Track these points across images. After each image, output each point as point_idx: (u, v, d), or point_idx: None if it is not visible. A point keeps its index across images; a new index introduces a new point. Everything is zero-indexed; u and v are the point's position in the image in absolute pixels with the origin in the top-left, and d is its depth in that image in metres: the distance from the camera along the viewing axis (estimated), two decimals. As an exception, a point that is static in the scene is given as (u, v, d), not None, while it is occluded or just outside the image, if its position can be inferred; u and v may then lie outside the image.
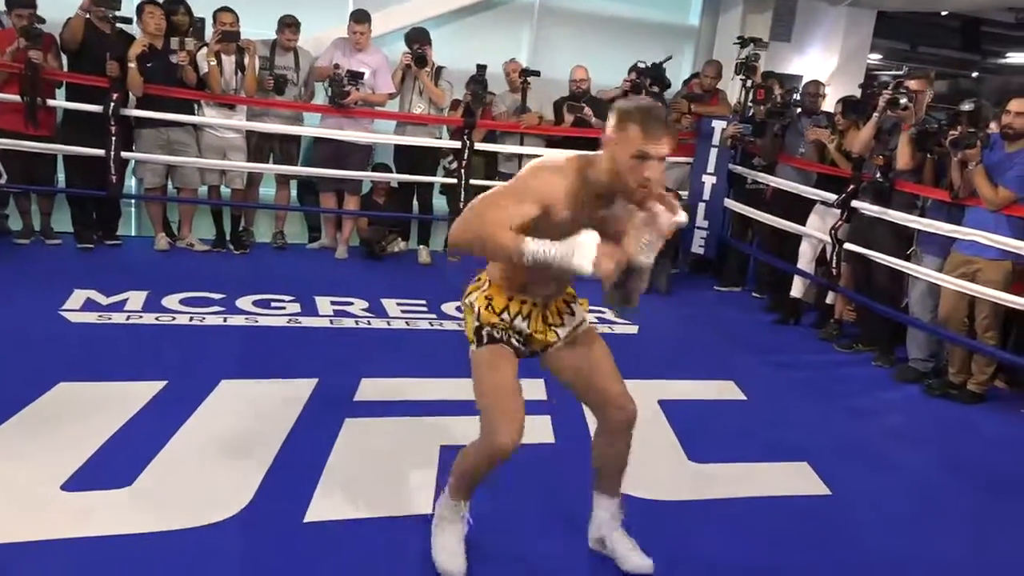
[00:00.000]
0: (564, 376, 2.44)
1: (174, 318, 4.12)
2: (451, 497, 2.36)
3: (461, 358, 3.75)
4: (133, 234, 6.02)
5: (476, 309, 2.29)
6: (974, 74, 13.32)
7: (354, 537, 2.40)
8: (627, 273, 2.08)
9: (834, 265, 4.94)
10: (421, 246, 5.96)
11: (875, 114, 4.59)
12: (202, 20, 5.31)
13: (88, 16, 4.99)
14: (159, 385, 3.24)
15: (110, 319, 4.01)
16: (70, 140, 5.13)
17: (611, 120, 2.08)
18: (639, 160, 2.01)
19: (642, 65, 6.05)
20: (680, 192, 6.10)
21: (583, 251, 1.93)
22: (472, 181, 5.84)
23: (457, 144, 5.76)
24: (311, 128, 5.74)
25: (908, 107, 4.40)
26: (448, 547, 2.33)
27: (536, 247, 1.96)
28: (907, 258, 4.55)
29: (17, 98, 4.85)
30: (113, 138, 5.07)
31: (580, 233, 1.95)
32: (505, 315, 2.26)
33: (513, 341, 2.29)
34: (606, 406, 2.38)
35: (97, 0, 4.94)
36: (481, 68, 5.81)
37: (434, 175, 5.96)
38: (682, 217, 2.09)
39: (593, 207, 2.11)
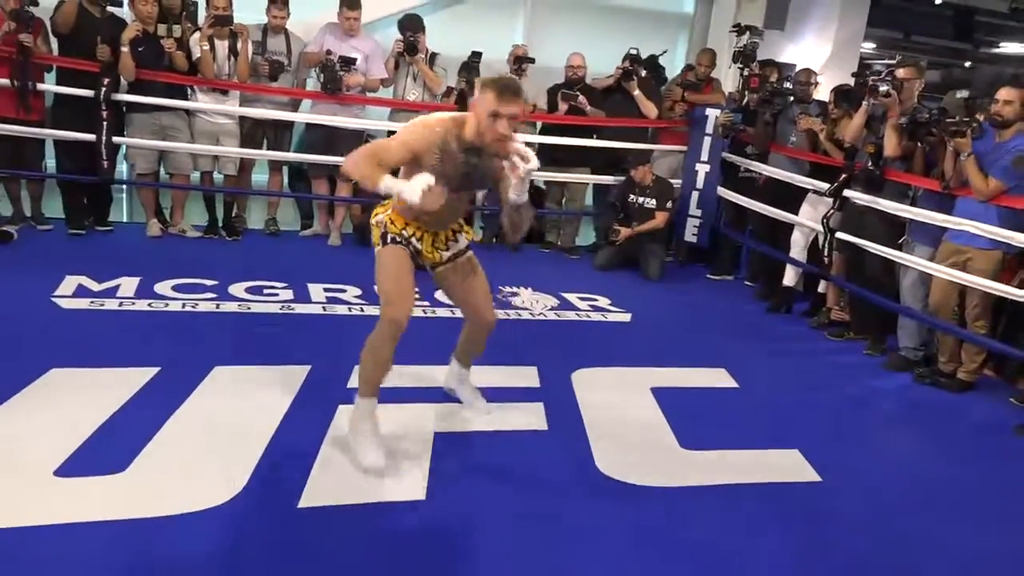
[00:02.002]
0: (447, 291, 3.12)
1: (167, 304, 4.11)
2: (361, 396, 2.78)
3: (453, 345, 3.77)
4: (125, 220, 5.99)
5: (383, 223, 2.85)
6: (967, 63, 13.34)
7: (348, 522, 2.41)
8: (515, 209, 2.68)
9: (826, 254, 4.96)
10: (414, 233, 5.94)
11: (864, 102, 4.60)
12: (195, 4, 5.27)
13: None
14: (152, 371, 3.23)
15: (102, 305, 4.00)
16: (60, 125, 5.09)
17: (476, 89, 2.67)
18: (494, 118, 2.56)
19: (633, 51, 6.04)
20: (673, 180, 6.12)
21: (412, 186, 2.43)
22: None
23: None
24: (304, 114, 5.71)
25: (890, 95, 4.40)
26: (367, 444, 2.72)
27: (388, 182, 2.49)
28: (899, 247, 4.57)
29: (6, 82, 4.81)
30: (104, 123, 5.03)
31: (419, 175, 2.45)
32: (404, 232, 2.83)
33: (410, 248, 2.86)
34: (475, 318, 3.10)
35: None
36: (476, 55, 5.79)
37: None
38: (533, 163, 2.55)
39: (458, 157, 2.67)
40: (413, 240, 2.86)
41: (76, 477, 2.47)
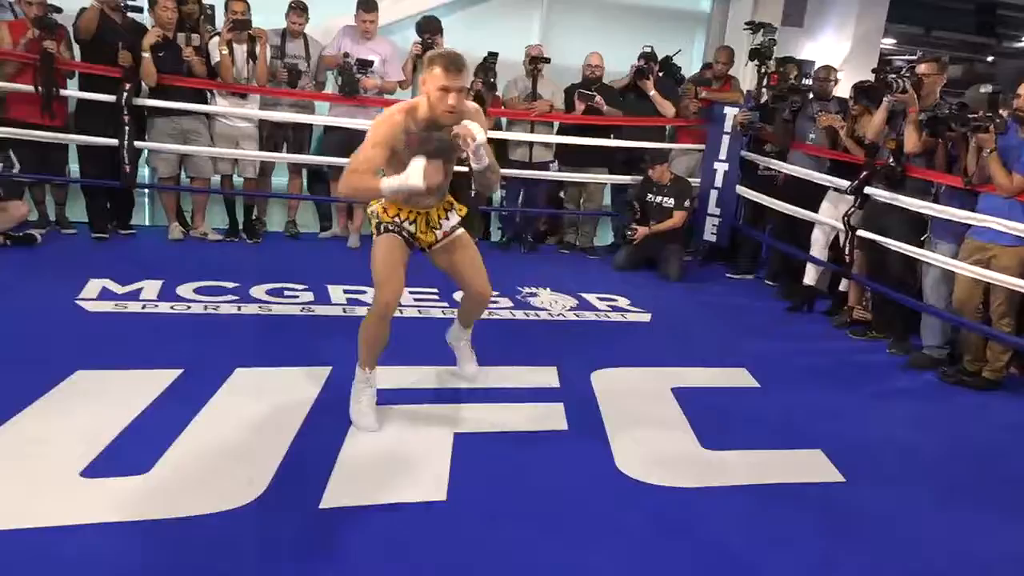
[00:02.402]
0: (443, 268, 3.31)
1: (189, 307, 4.15)
2: (360, 368, 3.07)
3: (475, 346, 3.77)
4: (147, 224, 6.06)
5: (377, 214, 3.08)
6: (989, 58, 13.17)
7: (369, 523, 2.42)
8: (480, 173, 2.97)
9: (847, 252, 4.91)
10: (433, 234, 5.95)
11: (884, 99, 4.55)
12: (212, 7, 5.31)
13: (101, 6, 5.00)
14: (175, 373, 3.27)
15: (126, 308, 4.04)
16: (83, 130, 5.16)
17: (424, 67, 2.83)
18: (443, 92, 2.77)
19: (647, 49, 6.02)
20: (691, 179, 6.09)
21: (414, 173, 2.68)
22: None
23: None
24: (322, 117, 5.74)
25: (907, 91, 4.35)
26: (363, 409, 3.03)
27: (388, 183, 2.75)
28: (921, 244, 4.52)
29: (30, 88, 4.87)
30: (126, 128, 5.09)
31: (411, 162, 2.71)
32: (397, 219, 3.05)
33: (404, 234, 3.06)
34: (470, 290, 3.33)
35: None
36: (493, 55, 5.79)
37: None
38: (480, 138, 2.81)
39: (423, 135, 2.88)
40: (406, 224, 3.06)
41: (101, 478, 2.49)
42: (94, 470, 2.53)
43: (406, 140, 2.87)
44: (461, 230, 3.23)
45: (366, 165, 2.84)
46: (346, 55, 5.43)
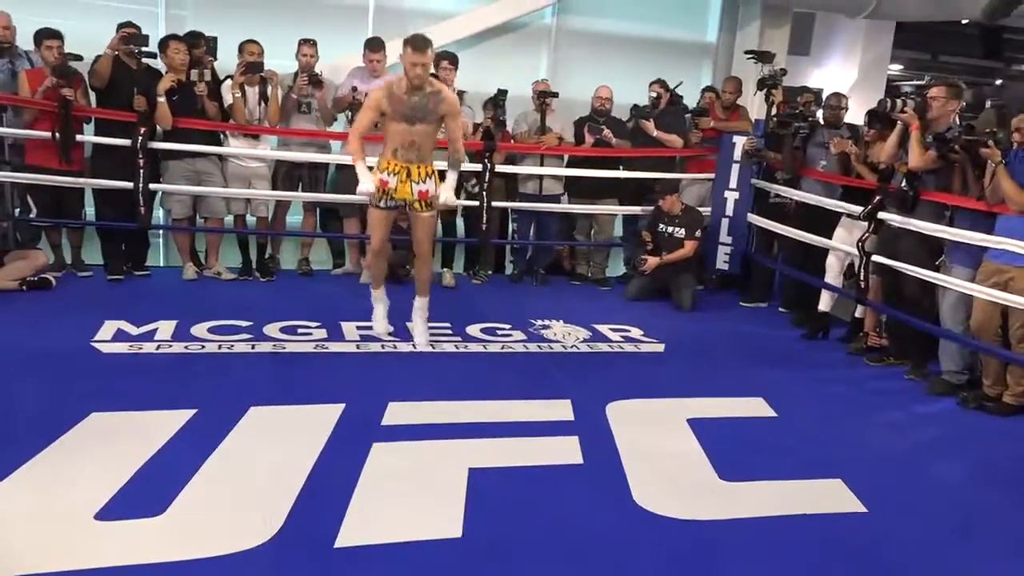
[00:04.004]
0: (410, 226, 4.41)
1: (203, 346, 4.16)
2: (373, 288, 4.45)
3: (487, 380, 3.77)
4: (161, 264, 6.11)
5: (375, 187, 4.11)
6: (997, 81, 13.18)
7: (385, 561, 2.39)
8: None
9: (862, 278, 4.88)
10: (445, 269, 5.98)
11: (899, 123, 4.56)
12: (215, 39, 5.39)
13: (116, 53, 5.10)
14: (189, 413, 3.27)
15: (140, 349, 4.06)
16: (99, 174, 5.24)
17: (401, 50, 4.03)
18: (412, 65, 3.95)
19: (653, 94, 6.12)
20: (702, 208, 6.10)
21: (367, 181, 4.05)
22: (494, 203, 5.87)
23: (478, 167, 5.79)
24: (334, 155, 5.80)
25: (905, 110, 4.37)
26: (378, 317, 4.44)
27: (359, 168, 4.06)
28: (936, 269, 4.49)
29: (47, 135, 4.96)
30: (141, 171, 5.17)
31: (364, 179, 4.04)
32: (381, 175, 4.12)
33: (381, 204, 4.18)
34: (418, 249, 4.38)
35: (125, 39, 5.06)
36: (503, 92, 5.86)
37: (457, 198, 5.97)
38: (448, 194, 4.22)
39: (404, 98, 4.02)
40: (390, 178, 4.11)
41: (116, 520, 2.48)
42: (109, 512, 2.52)
43: (389, 101, 4.01)
44: (434, 212, 4.28)
45: (360, 126, 4.10)
46: (354, 89, 5.50)
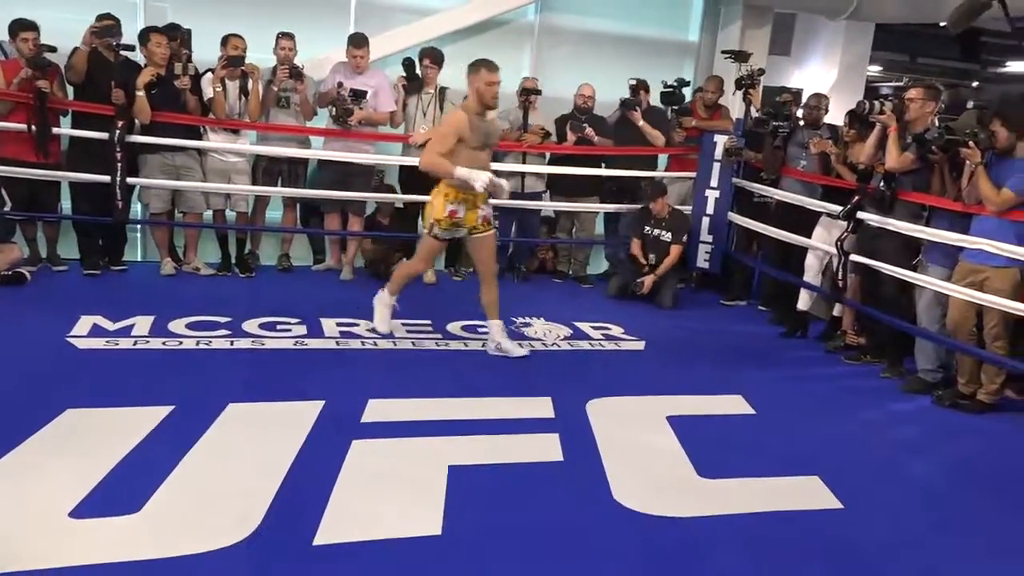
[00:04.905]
0: (469, 252, 4.50)
1: (181, 342, 4.12)
2: (389, 293, 4.38)
3: (467, 377, 3.77)
4: (139, 259, 6.05)
5: (434, 206, 4.15)
6: (974, 83, 13.34)
7: (364, 559, 2.38)
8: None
9: (840, 277, 4.93)
10: (426, 266, 5.96)
11: (878, 124, 4.60)
12: (188, 31, 5.32)
13: (91, 47, 5.03)
14: (166, 410, 3.24)
15: (117, 344, 4.02)
16: (76, 167, 5.17)
17: (468, 72, 4.11)
18: (490, 85, 4.04)
19: (632, 83, 6.11)
20: (683, 207, 6.12)
21: (482, 177, 3.93)
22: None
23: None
24: (316, 151, 5.77)
25: (884, 111, 4.41)
26: (384, 318, 4.38)
27: (460, 171, 3.93)
28: (914, 268, 4.54)
29: (22, 127, 4.89)
30: (119, 164, 5.10)
31: (478, 170, 3.95)
32: (450, 206, 4.10)
33: (446, 235, 4.23)
34: (486, 273, 4.34)
35: (98, 32, 4.98)
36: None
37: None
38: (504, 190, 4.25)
39: (479, 123, 4.07)
40: (460, 208, 4.11)
41: (91, 518, 2.46)
42: (84, 510, 2.49)
43: (471, 129, 4.00)
44: (493, 231, 4.33)
45: (443, 151, 4.00)
46: (340, 85, 5.46)
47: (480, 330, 4.75)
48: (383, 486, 2.82)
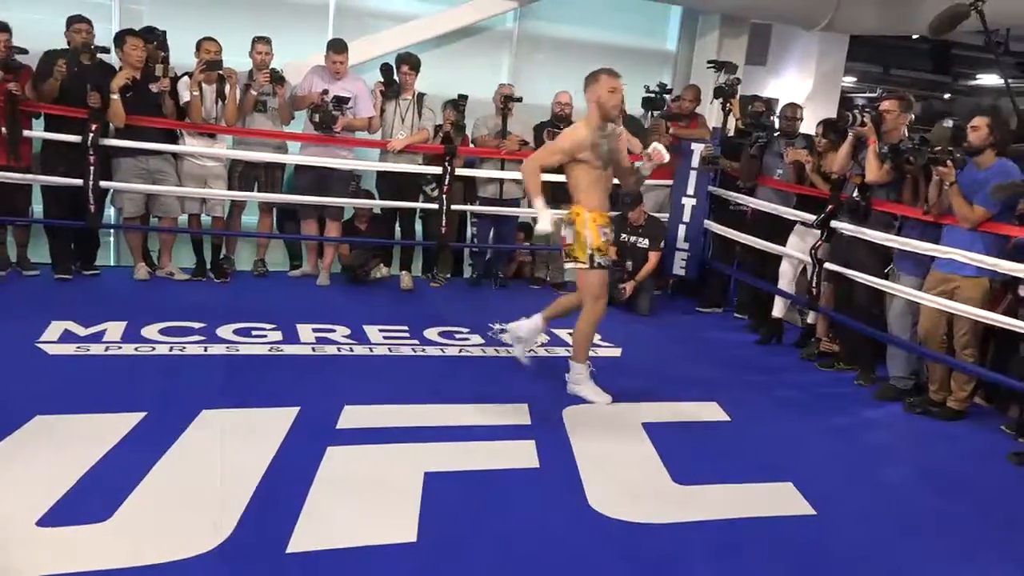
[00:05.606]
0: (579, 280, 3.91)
1: (154, 348, 4.08)
2: (578, 362, 3.91)
3: (444, 384, 3.76)
4: (112, 264, 5.98)
5: (587, 236, 3.71)
6: (946, 95, 13.57)
7: (338, 567, 2.37)
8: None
9: (814, 285, 4.98)
10: (403, 272, 5.95)
11: (849, 132, 4.66)
12: (164, 33, 5.28)
13: (62, 71, 4.91)
14: (138, 416, 3.20)
15: (88, 350, 3.97)
16: (48, 171, 5.10)
17: (586, 84, 3.75)
18: (613, 92, 3.65)
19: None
20: (660, 215, 6.16)
21: (544, 220, 3.58)
22: (453, 206, 5.85)
23: (438, 170, 5.78)
24: (293, 156, 5.74)
25: (866, 124, 4.47)
26: (593, 390, 3.86)
27: (538, 202, 3.62)
28: (886, 277, 4.60)
29: (-6, 130, 4.82)
30: (92, 168, 5.04)
31: (544, 217, 3.58)
32: (603, 230, 3.74)
33: (608, 262, 3.82)
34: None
35: (68, 58, 4.88)
36: (463, 97, 5.86)
37: (416, 200, 5.97)
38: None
39: (598, 133, 3.70)
40: (608, 230, 3.79)
41: (60, 527, 2.42)
42: (53, 518, 2.45)
43: (590, 142, 3.69)
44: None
45: (545, 161, 3.79)
46: (325, 92, 5.44)
47: (457, 336, 4.75)
48: (358, 493, 2.80)
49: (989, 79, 12.27)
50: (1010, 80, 7.73)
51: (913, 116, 4.72)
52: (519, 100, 6.01)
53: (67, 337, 4.11)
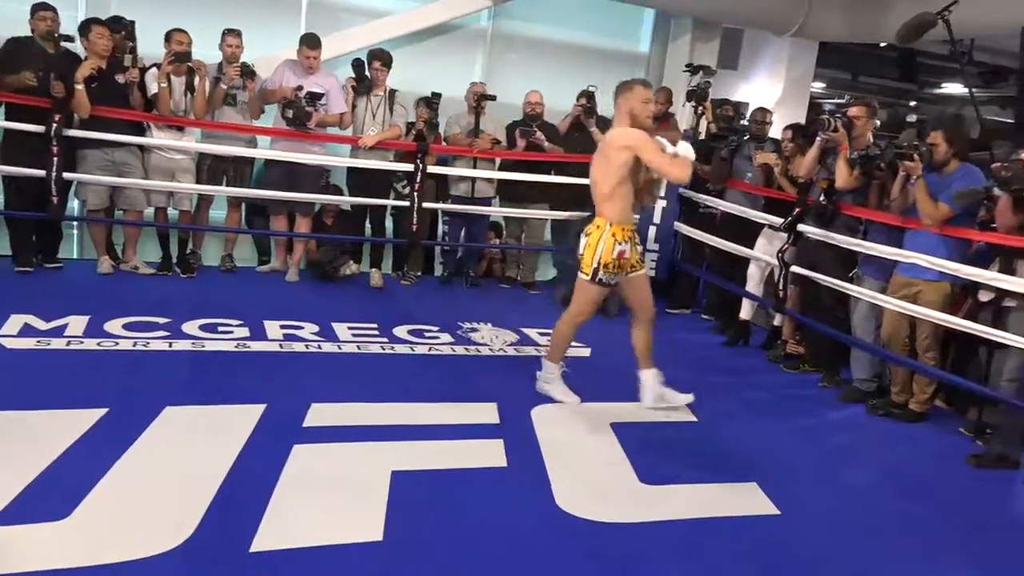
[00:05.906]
0: (624, 293, 3.90)
1: (117, 343, 4.01)
2: (551, 361, 3.93)
3: (412, 382, 3.74)
4: (75, 257, 5.86)
5: (599, 249, 3.65)
6: (912, 103, 13.80)
7: (303, 566, 2.34)
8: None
9: (781, 288, 5.04)
10: (373, 269, 5.92)
11: (817, 138, 4.72)
12: (132, 23, 5.18)
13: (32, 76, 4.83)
14: (99, 412, 3.14)
15: (49, 345, 3.89)
16: (9, 160, 4.98)
17: (618, 92, 3.73)
18: (646, 103, 3.67)
19: (592, 89, 6.14)
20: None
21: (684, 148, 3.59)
22: (424, 204, 5.83)
23: (410, 167, 5.75)
24: (264, 150, 5.67)
25: (838, 130, 4.53)
26: (562, 390, 3.88)
27: (670, 147, 3.58)
28: (851, 280, 4.66)
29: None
30: (55, 159, 4.94)
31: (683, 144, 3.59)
32: (619, 246, 3.64)
33: (612, 280, 3.73)
34: (642, 313, 3.90)
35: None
36: (436, 95, 5.84)
37: (387, 198, 5.94)
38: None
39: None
40: (627, 248, 3.70)
41: (16, 525, 2.36)
42: (9, 516, 2.40)
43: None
44: (645, 269, 3.97)
45: (657, 150, 3.59)
46: (299, 88, 5.39)
47: (426, 334, 4.73)
48: (324, 491, 2.78)
49: (954, 88, 12.50)
50: (974, 89, 7.92)
51: (879, 122, 4.79)
52: (492, 98, 6.00)
53: (27, 331, 4.02)
